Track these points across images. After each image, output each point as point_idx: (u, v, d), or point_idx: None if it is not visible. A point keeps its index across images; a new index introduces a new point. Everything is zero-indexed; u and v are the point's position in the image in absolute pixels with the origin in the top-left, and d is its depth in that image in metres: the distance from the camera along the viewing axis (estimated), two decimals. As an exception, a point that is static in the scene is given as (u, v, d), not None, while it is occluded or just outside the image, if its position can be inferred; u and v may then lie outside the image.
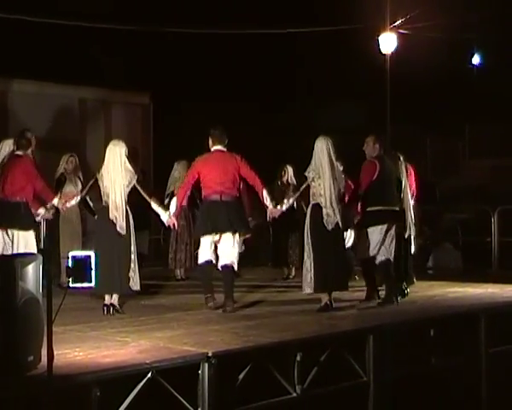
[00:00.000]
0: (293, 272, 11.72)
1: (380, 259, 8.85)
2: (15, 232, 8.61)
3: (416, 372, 7.52)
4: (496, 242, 12.54)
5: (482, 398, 8.28)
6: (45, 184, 8.91)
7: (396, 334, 7.47)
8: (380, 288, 9.06)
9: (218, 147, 8.58)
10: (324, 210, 8.38)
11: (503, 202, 13.39)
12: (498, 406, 8.30)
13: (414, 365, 7.49)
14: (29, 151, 8.83)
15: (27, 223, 8.68)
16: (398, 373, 7.29)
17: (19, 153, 8.78)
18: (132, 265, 8.26)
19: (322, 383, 6.68)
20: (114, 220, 8.20)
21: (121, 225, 8.19)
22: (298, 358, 6.54)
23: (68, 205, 8.82)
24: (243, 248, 11.90)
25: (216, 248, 8.52)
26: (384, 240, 8.86)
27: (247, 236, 8.93)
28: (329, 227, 8.38)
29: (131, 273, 8.26)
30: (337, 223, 8.42)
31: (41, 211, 8.86)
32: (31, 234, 8.68)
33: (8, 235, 8.62)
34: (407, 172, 9.91)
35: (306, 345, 6.70)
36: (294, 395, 6.54)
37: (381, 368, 7.15)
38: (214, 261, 8.53)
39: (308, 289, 8.46)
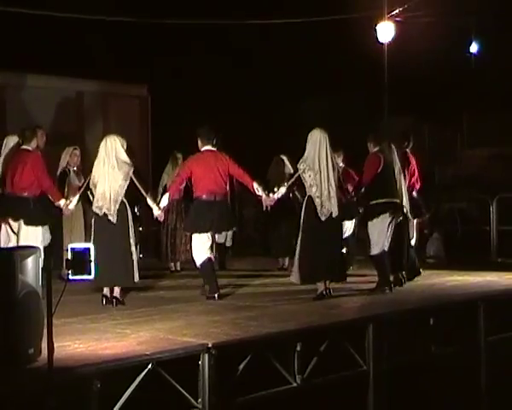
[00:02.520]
0: (287, 262, 11.73)
1: (381, 249, 8.93)
2: (23, 227, 8.57)
3: (416, 361, 7.54)
4: (494, 230, 12.57)
5: (481, 386, 8.31)
6: (52, 183, 8.92)
7: (395, 323, 7.49)
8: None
9: (208, 147, 8.81)
10: (318, 200, 8.42)
11: (501, 190, 13.41)
12: (497, 393, 8.32)
13: (413, 353, 7.51)
14: (33, 143, 8.78)
15: (36, 219, 8.66)
16: (397, 362, 7.32)
17: (26, 147, 8.75)
18: (134, 256, 8.30)
19: (322, 373, 6.70)
20: (98, 211, 8.23)
21: (109, 210, 8.18)
22: (298, 348, 6.55)
23: (71, 207, 8.79)
24: (231, 242, 12.13)
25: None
26: (386, 231, 8.95)
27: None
28: (323, 218, 8.42)
29: (133, 265, 8.29)
30: (332, 213, 8.44)
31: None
32: (39, 230, 8.66)
33: (12, 229, 8.58)
34: (408, 161, 9.97)
35: (306, 335, 6.72)
36: (294, 384, 6.56)
37: (380, 357, 7.17)
38: (213, 257, 8.79)
39: (295, 278, 8.55)
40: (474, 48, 26.47)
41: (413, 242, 10.09)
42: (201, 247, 8.69)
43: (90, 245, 5.16)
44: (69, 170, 10.52)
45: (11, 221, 8.62)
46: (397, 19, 19.79)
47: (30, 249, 5.72)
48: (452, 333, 7.93)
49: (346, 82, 22.24)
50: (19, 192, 8.63)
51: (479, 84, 23.33)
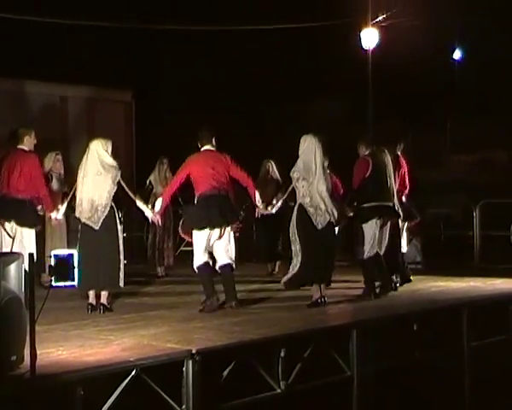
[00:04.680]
0: (277, 268, 11.75)
1: (371, 253, 8.95)
2: (18, 229, 8.47)
3: (400, 366, 7.55)
4: (478, 236, 12.62)
5: (465, 390, 8.34)
6: (48, 193, 8.82)
7: (379, 328, 7.50)
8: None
9: (207, 147, 8.52)
10: (312, 210, 8.37)
11: (484, 196, 13.48)
12: (481, 398, 8.35)
13: (397, 358, 7.52)
14: (27, 142, 8.62)
15: (31, 221, 8.54)
16: (381, 367, 7.32)
17: (23, 148, 8.60)
18: (120, 261, 8.21)
19: (306, 379, 6.70)
20: (80, 218, 8.15)
21: (95, 222, 8.11)
22: (282, 354, 6.54)
23: (59, 217, 8.71)
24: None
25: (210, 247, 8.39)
26: (378, 235, 8.95)
27: (238, 225, 8.66)
28: (319, 227, 8.36)
29: (120, 271, 8.19)
30: (328, 221, 8.43)
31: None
32: (33, 232, 8.55)
33: (7, 232, 8.48)
34: (399, 164, 10.02)
35: (290, 341, 6.72)
36: (279, 390, 6.55)
37: (364, 362, 7.18)
38: (210, 262, 8.38)
39: (286, 282, 8.48)
40: (457, 54, 26.66)
41: (404, 247, 10.13)
42: (198, 248, 8.33)
43: (74, 251, 5.14)
44: (51, 175, 10.49)
45: (6, 224, 8.51)
46: (381, 25, 19.89)
47: (13, 256, 5.68)
48: (436, 338, 7.95)
49: (331, 87, 22.32)
50: (14, 194, 8.49)
51: (462, 89, 23.50)
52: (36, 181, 8.54)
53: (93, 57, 20.89)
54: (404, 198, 10.07)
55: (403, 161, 10.14)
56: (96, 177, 8.17)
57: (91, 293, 8.27)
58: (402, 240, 10.04)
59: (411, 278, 10.23)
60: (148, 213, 8.57)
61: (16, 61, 17.57)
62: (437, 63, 23.91)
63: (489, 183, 19.06)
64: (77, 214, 8.26)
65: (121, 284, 8.27)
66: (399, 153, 10.13)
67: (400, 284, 9.83)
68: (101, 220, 8.12)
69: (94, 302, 8.22)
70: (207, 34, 19.84)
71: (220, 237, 8.28)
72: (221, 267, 8.37)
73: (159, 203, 8.60)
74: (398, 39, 19.66)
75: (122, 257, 8.25)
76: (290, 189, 8.56)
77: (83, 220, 8.17)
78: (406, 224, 10.16)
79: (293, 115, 21.97)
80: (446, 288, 10.10)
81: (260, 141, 20.42)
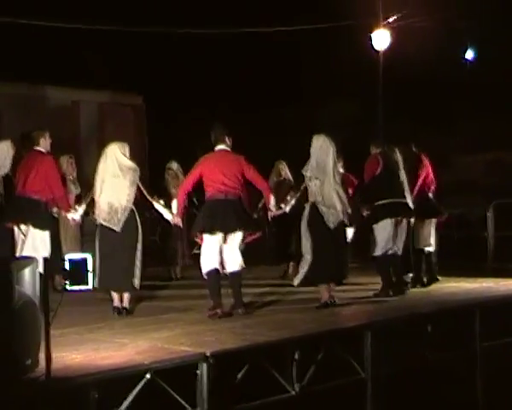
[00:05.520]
0: (290, 269, 11.71)
1: (384, 250, 8.97)
2: (31, 230, 8.46)
3: (413, 367, 7.54)
4: (491, 236, 12.58)
5: (478, 391, 8.31)
6: (64, 193, 8.80)
7: (393, 330, 7.49)
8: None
9: (221, 146, 8.32)
10: (325, 209, 8.36)
11: (496, 196, 13.44)
12: (494, 399, 8.32)
13: (411, 360, 7.51)
14: (43, 144, 8.62)
15: (45, 223, 8.54)
16: (395, 369, 7.31)
17: (40, 149, 8.61)
18: (137, 262, 8.22)
19: (320, 381, 6.70)
20: (100, 221, 8.16)
21: (115, 224, 8.12)
22: (296, 356, 6.55)
23: (76, 217, 8.69)
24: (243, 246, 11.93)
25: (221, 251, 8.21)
26: (393, 234, 8.95)
27: (257, 235, 8.40)
28: (331, 226, 8.35)
29: (136, 271, 8.21)
30: (340, 220, 8.42)
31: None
32: (46, 234, 8.57)
33: (23, 233, 8.44)
34: (422, 163, 10.05)
35: (304, 343, 6.72)
36: (293, 393, 6.55)
37: (378, 364, 7.17)
38: (221, 269, 8.19)
39: (297, 281, 8.47)
40: (469, 54, 26.58)
41: (432, 245, 10.12)
42: (209, 254, 8.15)
43: (88, 255, 5.16)
44: (65, 179, 10.55)
45: (22, 226, 8.49)
46: (392, 26, 19.86)
47: (27, 260, 5.71)
48: (449, 339, 7.93)
49: (342, 89, 22.30)
50: (29, 194, 8.48)
51: (474, 90, 23.41)
52: (52, 182, 8.54)
53: (104, 61, 20.96)
54: (430, 195, 10.12)
55: (426, 160, 10.19)
56: (114, 179, 8.19)
57: (115, 296, 8.29)
58: (431, 238, 10.06)
59: (439, 278, 10.30)
60: (167, 215, 8.52)
61: (29, 65, 17.65)
62: (448, 64, 23.85)
63: (500, 184, 18.98)
64: (95, 216, 8.27)
65: (136, 285, 8.25)
66: (421, 154, 10.18)
67: (428, 284, 9.87)
68: (122, 222, 8.14)
69: (119, 305, 8.23)
70: (219, 37, 19.84)
71: (225, 241, 8.13)
72: (230, 274, 8.22)
73: (174, 205, 8.54)
74: (409, 40, 19.62)
75: (140, 260, 8.24)
76: (303, 187, 8.55)
77: (101, 222, 8.19)
78: (435, 220, 10.17)
79: (304, 116, 21.96)
80: (459, 288, 10.07)
81: (272, 142, 20.42)
